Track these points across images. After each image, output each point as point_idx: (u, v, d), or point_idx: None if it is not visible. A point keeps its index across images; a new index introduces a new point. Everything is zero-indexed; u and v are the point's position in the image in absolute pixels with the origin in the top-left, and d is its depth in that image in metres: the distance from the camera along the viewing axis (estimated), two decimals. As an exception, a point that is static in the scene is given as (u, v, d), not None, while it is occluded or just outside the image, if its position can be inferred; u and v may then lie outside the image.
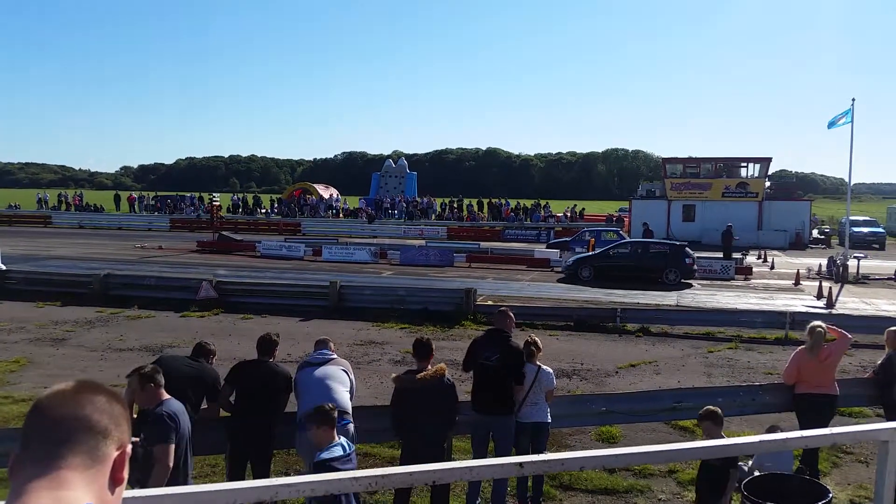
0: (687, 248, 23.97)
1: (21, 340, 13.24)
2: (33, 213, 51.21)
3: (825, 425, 6.59)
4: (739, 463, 7.02)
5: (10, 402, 9.42)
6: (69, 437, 1.27)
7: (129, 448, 1.35)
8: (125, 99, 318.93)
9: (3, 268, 19.03)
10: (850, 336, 7.54)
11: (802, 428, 6.80)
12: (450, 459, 6.15)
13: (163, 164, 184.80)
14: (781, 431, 6.09)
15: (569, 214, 49.59)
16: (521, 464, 2.41)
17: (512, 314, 7.17)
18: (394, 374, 6.37)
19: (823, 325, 7.14)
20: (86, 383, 1.37)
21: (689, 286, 22.49)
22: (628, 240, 27.18)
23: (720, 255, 27.97)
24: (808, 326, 7.15)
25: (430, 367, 6.10)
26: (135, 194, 64.52)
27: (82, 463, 1.26)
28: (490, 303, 17.00)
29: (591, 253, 25.42)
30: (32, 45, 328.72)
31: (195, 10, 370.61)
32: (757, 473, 5.46)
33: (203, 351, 6.35)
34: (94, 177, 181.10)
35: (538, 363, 6.62)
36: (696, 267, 23.61)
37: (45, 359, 11.95)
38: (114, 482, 1.31)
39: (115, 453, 1.31)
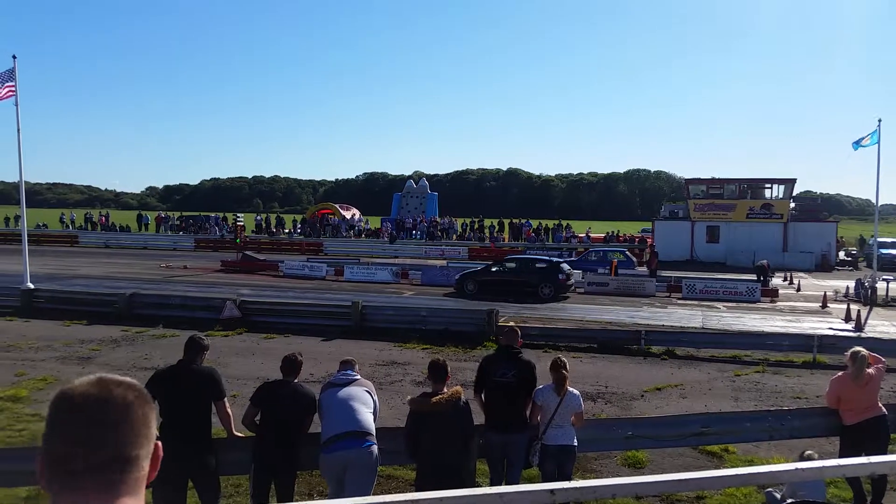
0: (562, 266, 24.88)
1: (48, 358, 13.42)
2: (60, 233, 52.10)
3: (885, 449, 6.45)
4: (770, 490, 6.88)
5: (37, 419, 9.51)
6: (131, 466, 1.30)
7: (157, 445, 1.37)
8: (151, 120, 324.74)
9: (32, 287, 19.35)
10: (884, 360, 7.40)
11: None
12: (473, 485, 6.07)
13: (188, 185, 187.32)
14: (816, 458, 5.97)
15: (591, 235, 49.29)
16: (552, 490, 2.37)
17: (518, 331, 7.29)
18: (409, 397, 6.31)
19: (865, 350, 7.01)
20: (124, 387, 1.36)
21: (565, 299, 23.66)
22: (510, 256, 27.58)
23: (754, 277, 27.57)
24: (850, 352, 6.99)
25: (445, 389, 6.03)
26: (162, 214, 65.45)
27: (136, 485, 1.31)
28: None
29: (475, 269, 26.43)
30: (59, 69, 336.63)
31: (217, 34, 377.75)
32: (790, 501, 5.34)
33: (197, 347, 6.03)
34: (119, 197, 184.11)
35: (569, 387, 6.54)
36: (570, 282, 24.63)
37: (72, 377, 11.99)
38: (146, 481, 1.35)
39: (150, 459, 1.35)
